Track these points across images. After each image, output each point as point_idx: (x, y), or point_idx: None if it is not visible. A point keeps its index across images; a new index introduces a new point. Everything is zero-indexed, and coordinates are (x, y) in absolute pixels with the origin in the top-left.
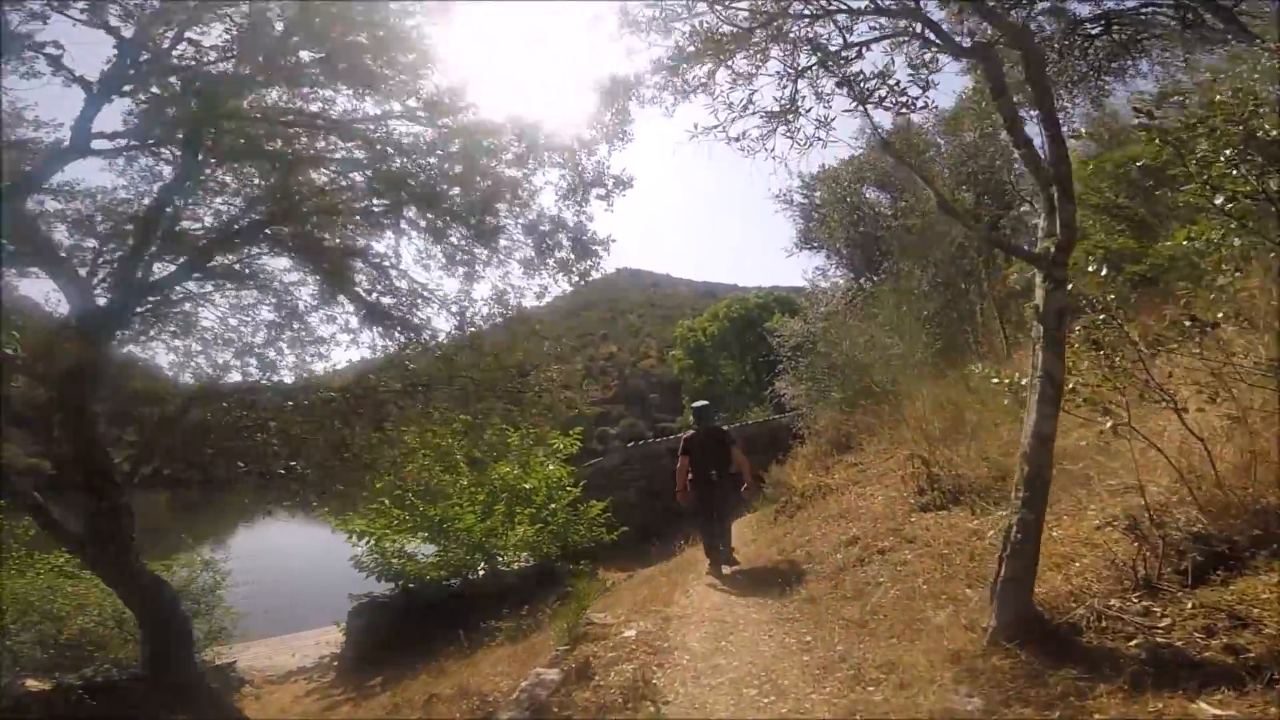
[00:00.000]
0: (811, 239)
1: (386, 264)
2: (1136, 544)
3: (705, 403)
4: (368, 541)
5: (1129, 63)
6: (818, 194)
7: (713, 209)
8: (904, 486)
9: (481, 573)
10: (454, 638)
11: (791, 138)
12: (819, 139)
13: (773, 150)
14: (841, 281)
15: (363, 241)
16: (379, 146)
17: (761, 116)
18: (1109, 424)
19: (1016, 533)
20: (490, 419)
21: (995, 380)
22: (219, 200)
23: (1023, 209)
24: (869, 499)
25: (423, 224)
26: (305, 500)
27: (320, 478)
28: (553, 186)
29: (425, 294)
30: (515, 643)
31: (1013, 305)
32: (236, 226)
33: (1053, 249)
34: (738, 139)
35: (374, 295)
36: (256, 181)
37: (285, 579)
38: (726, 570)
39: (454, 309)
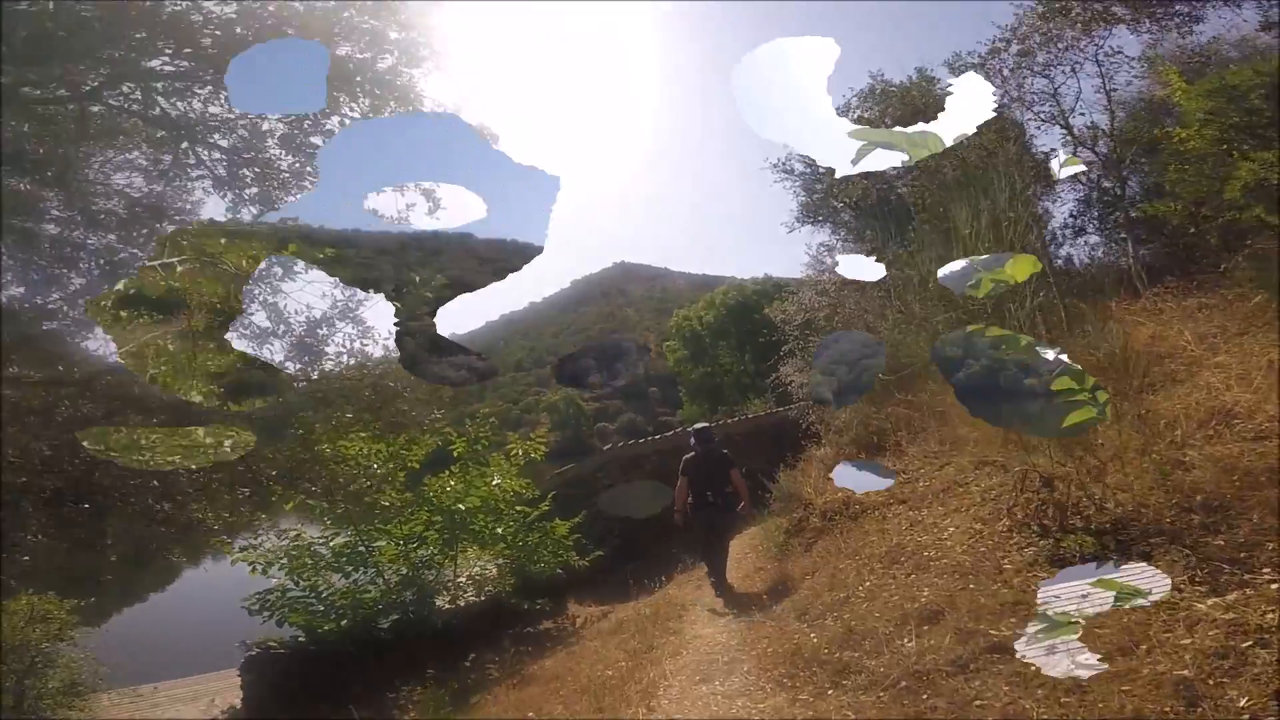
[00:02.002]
0: (815, 212)
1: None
2: None
3: (706, 424)
4: (283, 572)
5: None
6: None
7: (710, 198)
8: (1005, 514)
9: (414, 613)
10: (369, 697)
11: None
12: None
13: None
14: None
15: None
16: None
17: None
18: None
19: None
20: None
21: None
22: None
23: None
24: (934, 531)
25: None
26: None
27: None
28: None
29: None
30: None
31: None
32: None
33: None
34: None
35: None
36: None
37: (223, 610)
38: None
39: None
